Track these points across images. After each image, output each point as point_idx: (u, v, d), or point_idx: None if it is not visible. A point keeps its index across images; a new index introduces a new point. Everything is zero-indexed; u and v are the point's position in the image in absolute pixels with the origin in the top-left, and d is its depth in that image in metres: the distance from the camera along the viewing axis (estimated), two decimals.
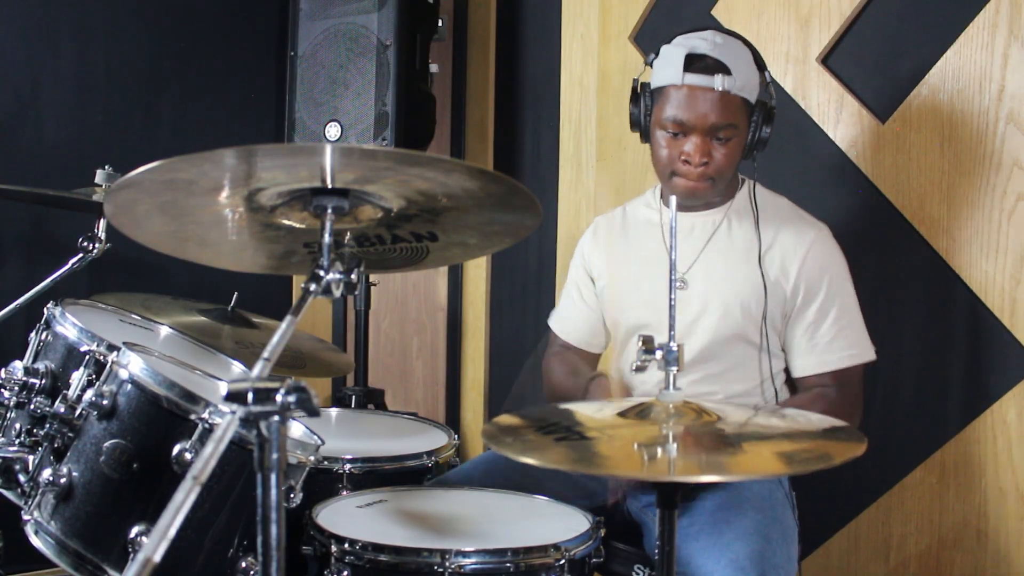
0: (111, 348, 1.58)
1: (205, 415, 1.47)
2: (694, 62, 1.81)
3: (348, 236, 1.39)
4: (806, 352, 1.88)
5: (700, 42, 1.83)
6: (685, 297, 1.89)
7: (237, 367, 1.98)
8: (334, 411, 2.43)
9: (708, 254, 1.92)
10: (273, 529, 1.03)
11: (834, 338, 1.87)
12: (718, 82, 1.79)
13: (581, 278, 2.12)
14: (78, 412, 1.53)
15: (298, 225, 1.35)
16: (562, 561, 1.50)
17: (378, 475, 1.93)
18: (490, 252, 1.49)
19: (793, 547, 1.76)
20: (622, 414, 1.29)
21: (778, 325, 1.89)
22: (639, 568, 1.77)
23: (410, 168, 1.27)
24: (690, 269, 1.91)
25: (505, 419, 1.31)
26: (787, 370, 1.95)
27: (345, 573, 1.50)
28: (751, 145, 1.87)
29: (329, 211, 1.24)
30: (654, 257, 1.97)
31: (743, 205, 1.94)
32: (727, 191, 1.95)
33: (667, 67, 1.84)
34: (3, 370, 1.72)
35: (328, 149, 1.15)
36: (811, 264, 1.87)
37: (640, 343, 1.28)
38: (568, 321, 2.16)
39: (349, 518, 1.65)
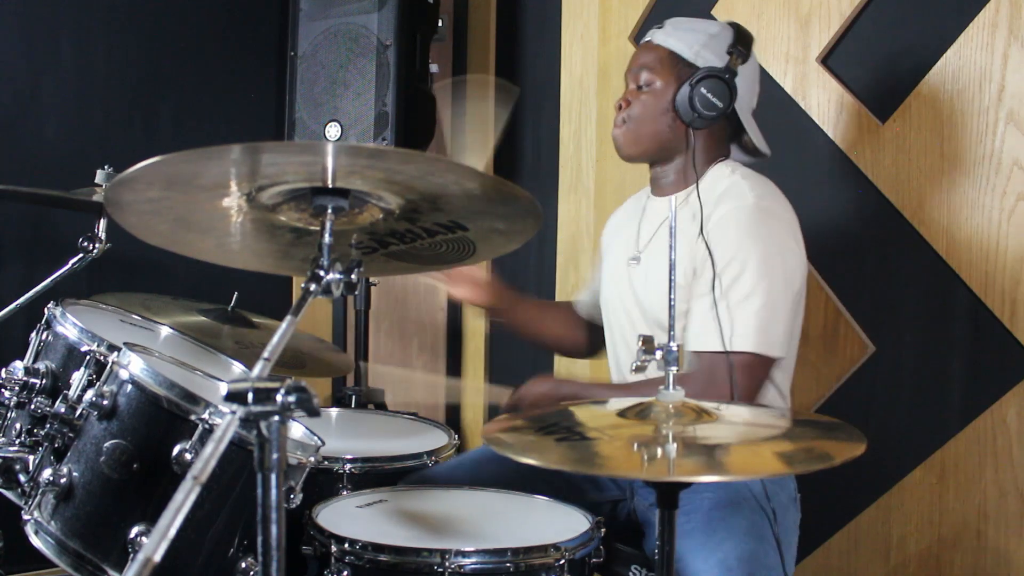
0: (111, 348, 1.58)
1: (205, 415, 1.47)
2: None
3: (355, 237, 1.38)
4: (692, 323, 1.75)
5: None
6: (638, 273, 1.91)
7: (237, 367, 1.98)
8: (334, 411, 2.43)
9: (660, 233, 1.89)
10: (273, 529, 1.03)
11: (711, 320, 1.71)
12: (648, 35, 1.89)
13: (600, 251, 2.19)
14: (78, 412, 1.53)
15: (299, 224, 1.35)
16: (562, 561, 1.50)
17: (378, 475, 1.93)
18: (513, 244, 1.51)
19: (790, 549, 1.75)
20: (622, 414, 1.29)
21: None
22: (636, 568, 1.77)
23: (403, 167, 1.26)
24: (646, 247, 1.92)
25: (505, 419, 1.31)
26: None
27: (345, 573, 1.50)
28: (682, 102, 1.80)
29: (329, 211, 1.24)
30: (625, 235, 2.00)
31: (706, 186, 1.83)
32: (687, 172, 1.87)
33: None
34: (3, 370, 1.71)
35: (330, 148, 1.15)
36: (717, 234, 1.74)
37: (640, 343, 1.29)
38: (583, 284, 2.25)
39: (349, 518, 1.65)
